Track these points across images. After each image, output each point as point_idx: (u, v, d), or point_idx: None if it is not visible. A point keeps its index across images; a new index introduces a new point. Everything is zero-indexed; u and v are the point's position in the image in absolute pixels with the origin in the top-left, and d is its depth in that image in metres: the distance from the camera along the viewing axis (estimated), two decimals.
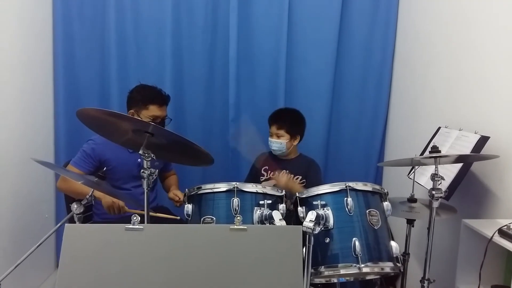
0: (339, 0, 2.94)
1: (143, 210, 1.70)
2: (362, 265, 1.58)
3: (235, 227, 1.27)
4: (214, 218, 1.70)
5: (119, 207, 2.09)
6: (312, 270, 1.59)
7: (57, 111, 2.87)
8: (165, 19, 2.89)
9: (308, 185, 2.39)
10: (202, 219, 1.72)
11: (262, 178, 2.54)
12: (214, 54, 3.01)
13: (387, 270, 1.64)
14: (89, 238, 1.25)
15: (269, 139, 2.50)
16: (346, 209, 1.66)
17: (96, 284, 1.21)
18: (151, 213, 1.78)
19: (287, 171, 2.51)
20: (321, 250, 1.64)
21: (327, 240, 1.63)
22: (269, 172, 2.54)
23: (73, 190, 2.15)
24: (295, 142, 2.53)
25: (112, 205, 2.08)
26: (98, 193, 2.04)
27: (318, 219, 1.54)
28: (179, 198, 2.29)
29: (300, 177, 2.50)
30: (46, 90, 2.79)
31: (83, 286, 1.21)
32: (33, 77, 2.58)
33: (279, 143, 2.46)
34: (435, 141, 2.15)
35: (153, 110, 2.22)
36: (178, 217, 2.25)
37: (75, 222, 1.63)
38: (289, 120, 2.51)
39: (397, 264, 1.67)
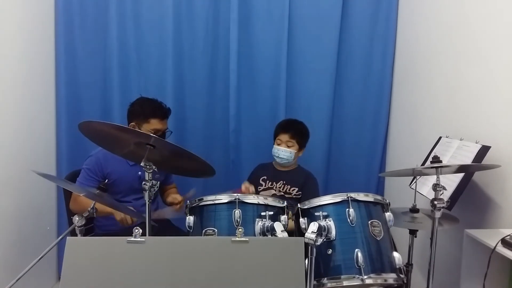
0: (338, 10, 2.97)
1: (144, 222, 1.70)
2: (365, 277, 1.57)
3: (237, 239, 1.27)
4: (216, 230, 1.70)
5: (131, 218, 2.09)
6: (315, 282, 1.58)
7: (58, 123, 2.87)
8: (166, 31, 2.91)
9: (304, 197, 2.40)
10: (203, 231, 1.71)
11: (260, 188, 2.55)
12: (215, 65, 3.03)
13: (390, 281, 1.63)
14: (91, 250, 1.25)
15: (277, 147, 2.50)
16: (348, 220, 1.66)
17: None
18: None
19: (284, 181, 2.52)
20: (323, 261, 1.63)
21: (330, 251, 1.63)
22: (267, 182, 2.55)
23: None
24: (300, 154, 2.57)
25: (124, 217, 2.09)
26: (108, 209, 2.04)
27: (320, 231, 1.53)
28: (178, 201, 2.30)
29: (297, 189, 2.50)
30: (48, 102, 2.80)
31: None
32: (35, 89, 2.59)
33: (288, 151, 2.47)
34: (436, 151, 2.15)
35: (154, 124, 2.22)
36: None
37: (76, 235, 1.63)
38: (301, 131, 2.55)
39: (400, 275, 1.66)
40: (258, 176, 2.61)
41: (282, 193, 2.51)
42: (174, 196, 2.37)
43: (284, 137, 2.49)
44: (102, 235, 2.24)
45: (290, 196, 2.50)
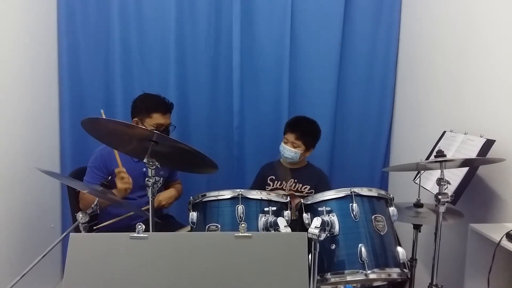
0: (341, 5, 2.95)
1: (148, 218, 1.70)
2: (369, 272, 1.57)
3: (240, 234, 1.27)
4: (219, 226, 1.70)
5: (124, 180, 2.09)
6: (318, 277, 1.58)
7: (62, 120, 2.88)
8: (168, 27, 2.90)
9: None
10: (207, 226, 1.72)
11: (268, 188, 2.52)
12: (218, 62, 3.02)
13: (394, 276, 1.63)
14: (94, 247, 1.25)
15: (283, 145, 2.44)
16: (352, 215, 1.65)
17: None
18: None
19: (296, 180, 2.49)
20: (327, 256, 1.63)
21: (333, 246, 1.62)
22: (276, 182, 2.51)
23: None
24: (308, 154, 2.50)
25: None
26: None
27: (324, 226, 1.53)
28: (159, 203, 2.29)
29: (309, 187, 2.48)
30: (51, 100, 2.81)
31: None
32: (38, 87, 2.60)
33: (293, 152, 2.41)
34: (440, 145, 2.14)
35: (157, 118, 2.22)
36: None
37: (80, 232, 1.64)
38: (309, 132, 2.46)
39: (404, 270, 1.66)
40: (265, 175, 2.56)
41: (293, 192, 2.48)
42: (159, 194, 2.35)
43: (290, 136, 2.42)
44: (106, 231, 2.25)
45: (301, 194, 2.46)
